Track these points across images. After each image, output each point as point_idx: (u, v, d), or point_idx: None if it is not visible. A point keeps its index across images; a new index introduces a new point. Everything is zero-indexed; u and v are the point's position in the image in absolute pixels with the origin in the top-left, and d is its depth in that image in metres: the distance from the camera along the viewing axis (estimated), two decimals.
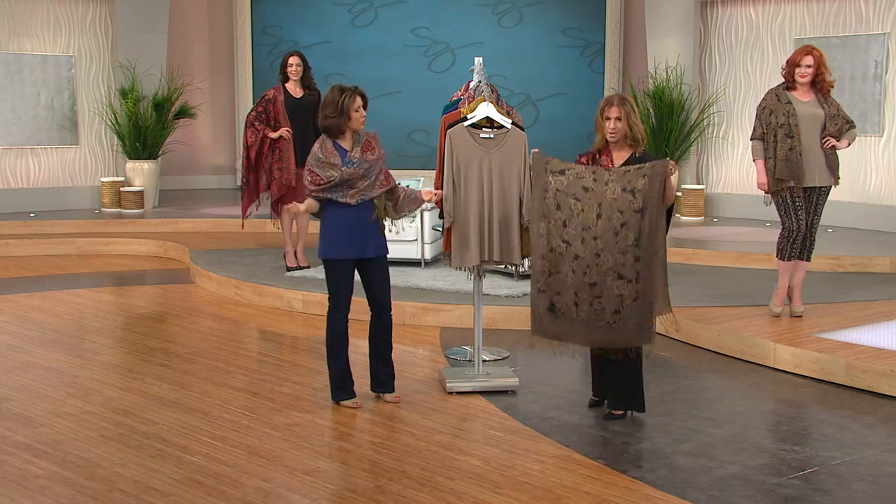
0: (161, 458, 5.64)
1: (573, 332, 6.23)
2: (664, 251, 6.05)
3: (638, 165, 6.03)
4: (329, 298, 6.59)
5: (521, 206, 6.88)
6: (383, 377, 6.74)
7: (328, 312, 6.60)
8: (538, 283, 6.27)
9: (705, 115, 14.78)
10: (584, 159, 6.38)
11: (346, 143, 6.45)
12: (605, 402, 6.57)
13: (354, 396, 6.63)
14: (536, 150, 6.40)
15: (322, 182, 6.35)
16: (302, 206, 6.50)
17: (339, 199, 6.40)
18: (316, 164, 6.39)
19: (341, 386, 6.63)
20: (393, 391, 6.75)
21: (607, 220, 6.01)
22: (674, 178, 14.23)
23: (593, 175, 6.08)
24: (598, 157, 6.34)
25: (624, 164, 6.20)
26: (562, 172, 6.14)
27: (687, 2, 14.87)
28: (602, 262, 6.04)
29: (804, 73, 8.11)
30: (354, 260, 6.52)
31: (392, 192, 6.59)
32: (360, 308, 6.92)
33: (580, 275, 6.10)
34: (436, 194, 6.76)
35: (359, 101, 6.42)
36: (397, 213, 6.65)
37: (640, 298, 6.01)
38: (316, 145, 6.46)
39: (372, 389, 6.78)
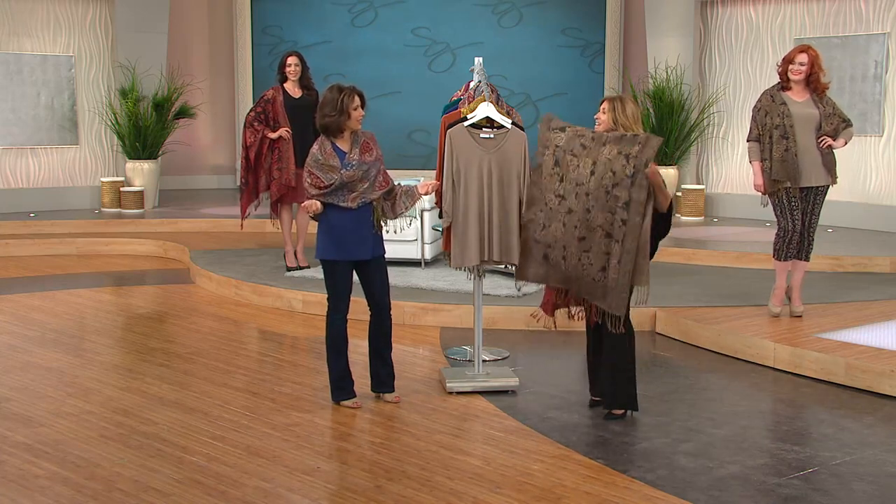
0: (161, 458, 5.65)
1: (562, 278, 6.31)
2: (650, 223, 6.08)
3: (634, 133, 6.15)
4: (328, 299, 6.60)
5: (520, 205, 6.88)
6: (383, 377, 6.74)
7: (327, 313, 6.60)
8: (535, 232, 6.33)
9: (705, 115, 14.80)
10: None
11: (344, 145, 6.45)
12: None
13: (354, 396, 6.64)
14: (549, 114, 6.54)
15: (323, 185, 6.34)
16: (319, 204, 6.43)
17: (341, 204, 6.40)
18: (315, 166, 6.38)
19: (341, 386, 6.63)
20: (393, 391, 6.75)
21: (599, 179, 6.10)
22: (671, 173, 14.31)
23: (592, 134, 6.25)
24: None
25: None
26: (562, 129, 6.31)
27: (687, 2, 14.89)
28: (592, 218, 6.12)
29: (797, 71, 8.12)
30: (353, 261, 6.53)
31: (390, 192, 6.59)
32: (360, 308, 6.94)
33: (571, 228, 6.19)
34: (433, 185, 6.74)
35: (357, 99, 6.41)
36: (395, 213, 6.64)
37: (623, 262, 6.06)
38: (315, 146, 6.45)
39: (372, 389, 6.78)
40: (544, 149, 6.33)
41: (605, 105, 6.38)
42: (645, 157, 6.00)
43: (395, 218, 6.68)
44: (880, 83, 13.14)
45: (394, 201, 6.60)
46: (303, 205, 6.47)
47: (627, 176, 6.02)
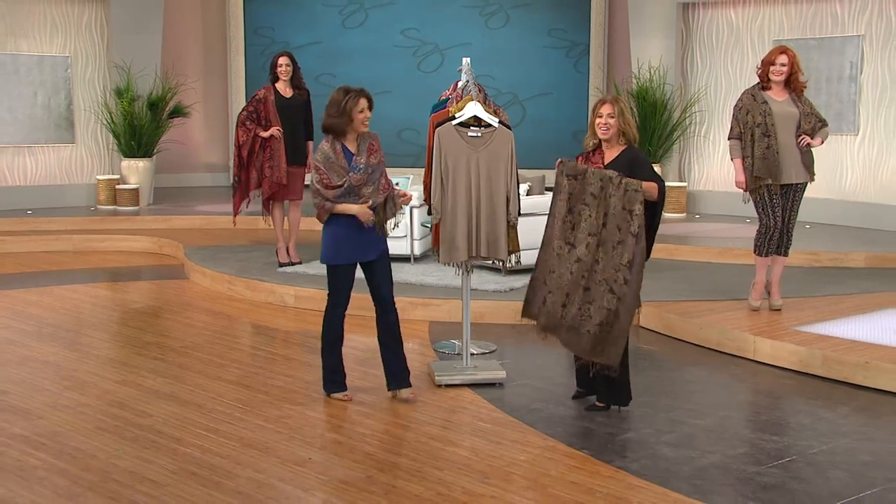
0: (156, 450, 5.72)
1: (552, 326, 6.37)
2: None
3: (636, 185, 6.12)
4: (329, 295, 6.63)
5: (507, 202, 6.97)
6: (396, 371, 6.70)
7: (326, 308, 6.64)
8: (543, 274, 6.38)
9: (687, 115, 14.94)
10: (579, 159, 6.49)
11: (351, 146, 6.47)
12: (590, 394, 6.69)
13: (345, 389, 6.71)
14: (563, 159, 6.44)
15: (333, 185, 6.36)
16: (369, 216, 6.48)
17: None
18: (324, 163, 6.39)
19: (333, 379, 6.70)
20: (409, 386, 6.72)
21: (609, 232, 6.17)
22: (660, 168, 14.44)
23: (600, 182, 6.19)
24: (591, 156, 6.45)
25: (613, 161, 6.32)
26: (575, 177, 6.26)
27: (669, 4, 15.02)
28: (599, 270, 6.19)
29: (779, 72, 8.25)
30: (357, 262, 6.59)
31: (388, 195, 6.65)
32: (358, 304, 6.97)
33: (578, 277, 6.23)
34: (406, 198, 6.72)
35: (363, 102, 6.40)
36: (389, 216, 6.67)
37: (622, 319, 6.18)
38: (325, 144, 6.44)
39: (388, 388, 6.75)
40: (558, 194, 6.31)
41: (608, 109, 6.30)
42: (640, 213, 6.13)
43: (390, 219, 6.72)
44: (855, 84, 13.33)
45: (386, 204, 6.62)
46: (364, 219, 6.46)
47: (632, 234, 6.11)
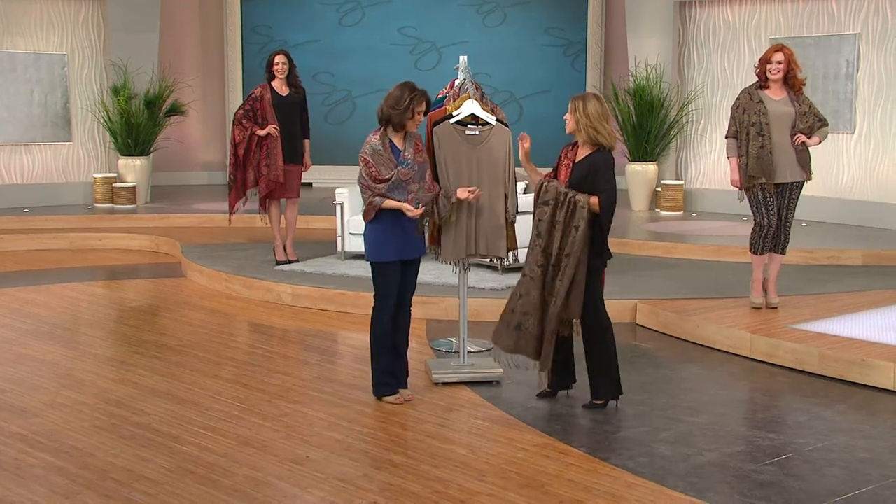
0: (153, 448, 5.73)
1: (534, 347, 6.43)
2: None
3: (583, 201, 6.23)
4: (376, 297, 6.61)
5: (506, 200, 6.98)
6: (396, 372, 6.71)
7: (375, 312, 6.61)
8: (512, 303, 6.47)
9: (684, 113, 14.95)
10: (563, 150, 6.54)
11: (399, 142, 6.50)
12: (562, 391, 6.77)
13: (397, 392, 6.66)
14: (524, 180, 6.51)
15: (382, 178, 6.37)
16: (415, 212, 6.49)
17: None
18: (373, 155, 6.40)
19: (386, 381, 6.65)
20: (406, 387, 6.74)
21: (562, 248, 6.27)
22: (651, 169, 14.47)
23: (556, 197, 6.29)
24: (569, 150, 6.51)
25: (580, 161, 6.36)
26: (546, 203, 6.32)
27: (666, 2, 15.05)
28: (557, 287, 6.30)
29: (775, 70, 8.27)
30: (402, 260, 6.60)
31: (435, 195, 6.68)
32: (356, 302, 6.95)
33: (548, 296, 6.34)
34: (471, 192, 6.75)
35: (423, 105, 6.45)
36: (439, 216, 6.73)
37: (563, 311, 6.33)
38: (374, 137, 6.46)
39: None
40: (537, 220, 6.38)
41: (570, 105, 6.40)
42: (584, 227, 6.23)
43: (440, 221, 6.78)
44: (852, 82, 13.35)
45: (434, 204, 6.67)
46: (410, 214, 6.47)
47: (575, 250, 6.21)
